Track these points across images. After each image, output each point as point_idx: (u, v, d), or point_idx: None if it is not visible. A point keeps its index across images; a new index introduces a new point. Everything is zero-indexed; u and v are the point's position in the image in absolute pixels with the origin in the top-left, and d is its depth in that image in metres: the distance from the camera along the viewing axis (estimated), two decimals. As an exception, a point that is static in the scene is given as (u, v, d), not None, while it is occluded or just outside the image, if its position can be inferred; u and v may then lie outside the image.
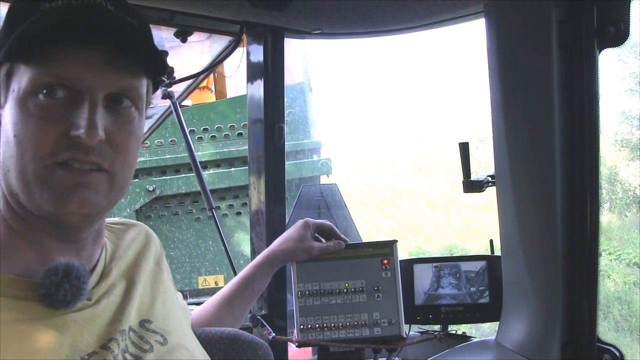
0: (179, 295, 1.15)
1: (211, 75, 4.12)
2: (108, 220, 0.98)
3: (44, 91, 0.73)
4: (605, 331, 5.60)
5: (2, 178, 0.78)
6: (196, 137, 3.98)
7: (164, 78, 1.55)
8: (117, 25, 0.75)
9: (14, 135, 0.74)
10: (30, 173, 0.73)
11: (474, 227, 10.52)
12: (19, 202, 0.77)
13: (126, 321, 0.85)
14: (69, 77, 0.73)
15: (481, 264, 1.49)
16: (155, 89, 0.88)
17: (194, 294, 4.00)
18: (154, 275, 1.00)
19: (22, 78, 0.73)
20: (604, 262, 7.11)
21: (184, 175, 3.97)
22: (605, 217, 8.76)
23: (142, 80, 0.81)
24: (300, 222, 1.36)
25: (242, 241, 4.02)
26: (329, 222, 1.39)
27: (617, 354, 1.17)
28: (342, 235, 1.38)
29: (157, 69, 0.83)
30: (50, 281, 0.74)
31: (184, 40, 1.59)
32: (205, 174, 3.21)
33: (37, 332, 0.73)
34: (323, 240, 1.38)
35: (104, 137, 0.74)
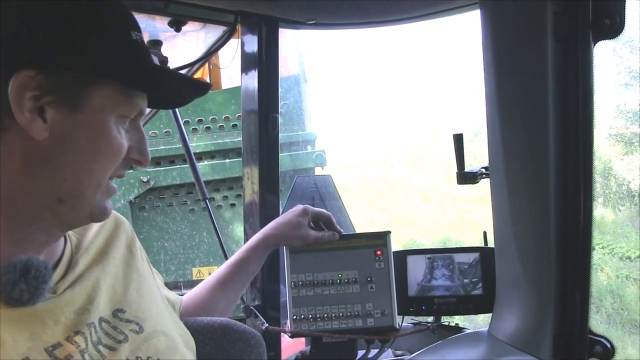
0: (159, 277, 1.13)
1: (206, 67, 4.10)
2: None
3: (129, 120, 0.83)
4: (598, 324, 5.64)
5: (48, 178, 0.76)
6: (191, 129, 3.97)
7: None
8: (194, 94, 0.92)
9: (93, 146, 0.77)
10: (96, 180, 0.79)
11: (468, 220, 10.56)
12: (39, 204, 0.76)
13: (95, 313, 0.83)
14: (143, 113, 0.85)
15: (474, 255, 1.49)
16: None
17: (188, 285, 4.00)
18: (126, 262, 0.98)
19: (115, 99, 0.78)
20: (597, 255, 7.16)
21: (178, 166, 3.95)
22: (599, 211, 8.82)
23: None
24: (299, 208, 1.35)
25: (237, 232, 4.02)
26: (327, 212, 1.38)
27: (609, 345, 1.17)
28: (338, 227, 1.37)
29: None
30: (7, 279, 0.71)
31: (178, 30, 1.58)
32: (199, 165, 3.20)
33: None
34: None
35: None
